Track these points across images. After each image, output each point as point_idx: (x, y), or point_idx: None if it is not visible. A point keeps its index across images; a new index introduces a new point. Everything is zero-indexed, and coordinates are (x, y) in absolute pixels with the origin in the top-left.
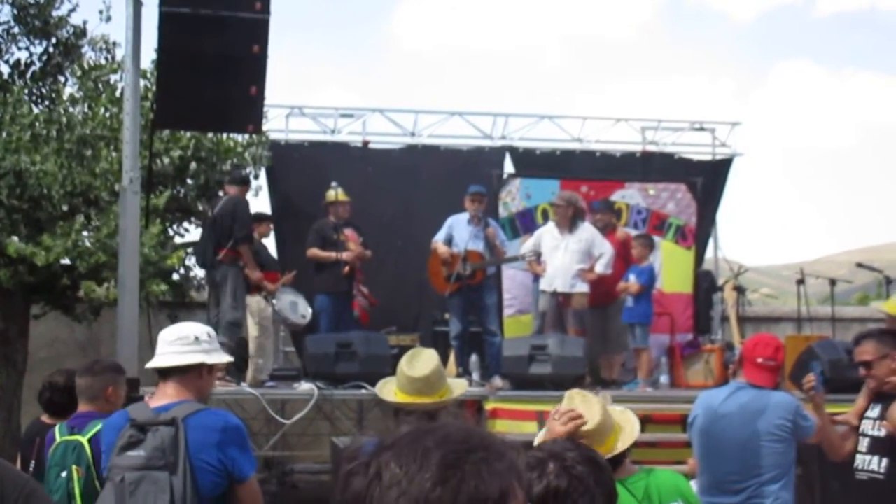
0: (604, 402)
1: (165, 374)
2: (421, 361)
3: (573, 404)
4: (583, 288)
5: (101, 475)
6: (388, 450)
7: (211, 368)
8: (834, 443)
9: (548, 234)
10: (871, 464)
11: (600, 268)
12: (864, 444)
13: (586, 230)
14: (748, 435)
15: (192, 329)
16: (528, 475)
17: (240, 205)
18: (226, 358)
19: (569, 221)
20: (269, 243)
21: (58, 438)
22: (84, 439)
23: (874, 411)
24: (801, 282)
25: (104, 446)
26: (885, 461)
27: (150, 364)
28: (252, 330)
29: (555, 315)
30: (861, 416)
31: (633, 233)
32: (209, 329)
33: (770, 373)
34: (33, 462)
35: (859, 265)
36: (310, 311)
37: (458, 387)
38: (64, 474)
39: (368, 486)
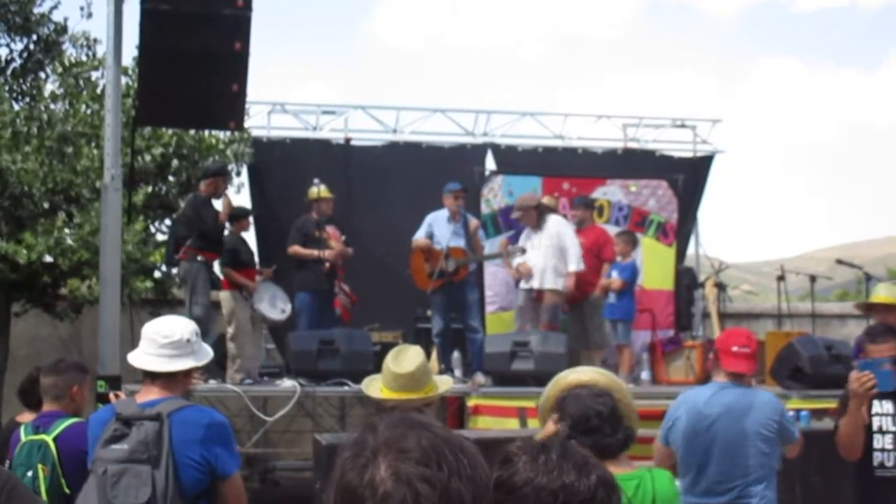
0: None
1: (153, 374)
2: (407, 358)
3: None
4: (556, 285)
5: (66, 474)
6: (380, 445)
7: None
8: (858, 442)
9: (523, 236)
10: None
11: (573, 266)
12: (885, 440)
13: (554, 224)
14: (735, 435)
15: (181, 329)
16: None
17: (187, 208)
18: (211, 354)
19: (535, 221)
20: (250, 238)
21: (23, 438)
22: (49, 438)
23: (884, 406)
24: (781, 278)
25: (90, 439)
26: None
27: (138, 364)
28: (227, 328)
29: (530, 310)
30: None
31: (615, 230)
32: (194, 326)
33: (747, 360)
34: (9, 461)
35: (839, 262)
36: (289, 305)
37: (444, 383)
38: (30, 473)
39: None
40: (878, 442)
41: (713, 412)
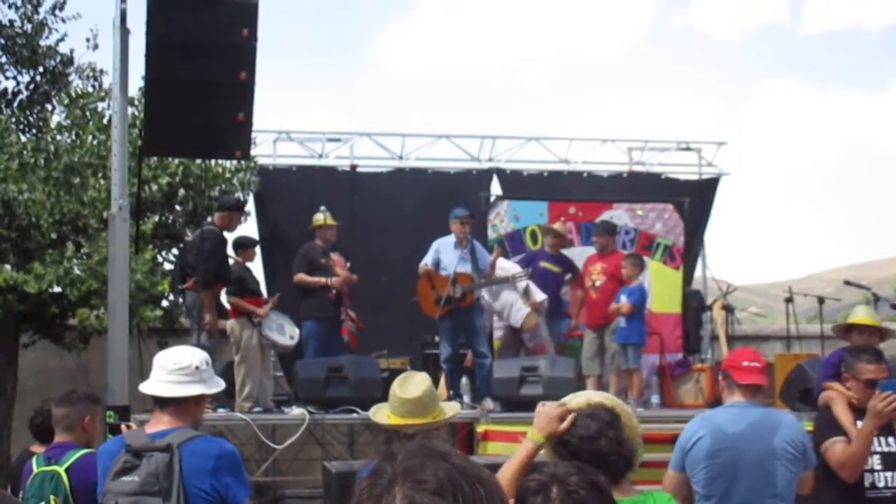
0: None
1: (163, 402)
2: (413, 383)
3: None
4: (524, 309)
5: None
6: (397, 475)
7: (206, 396)
8: (864, 464)
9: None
10: (893, 480)
11: (537, 297)
12: (874, 460)
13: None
14: (764, 453)
15: (191, 357)
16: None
17: (207, 242)
18: (222, 384)
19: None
20: (257, 267)
21: (35, 469)
22: (61, 469)
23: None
24: (789, 300)
25: (99, 472)
26: (894, 475)
27: (149, 391)
28: (235, 356)
29: (509, 340)
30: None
31: (623, 253)
32: (205, 355)
33: (759, 373)
34: (22, 492)
35: (847, 283)
36: (297, 331)
37: (451, 409)
38: None
39: None
40: (868, 463)
41: (739, 430)
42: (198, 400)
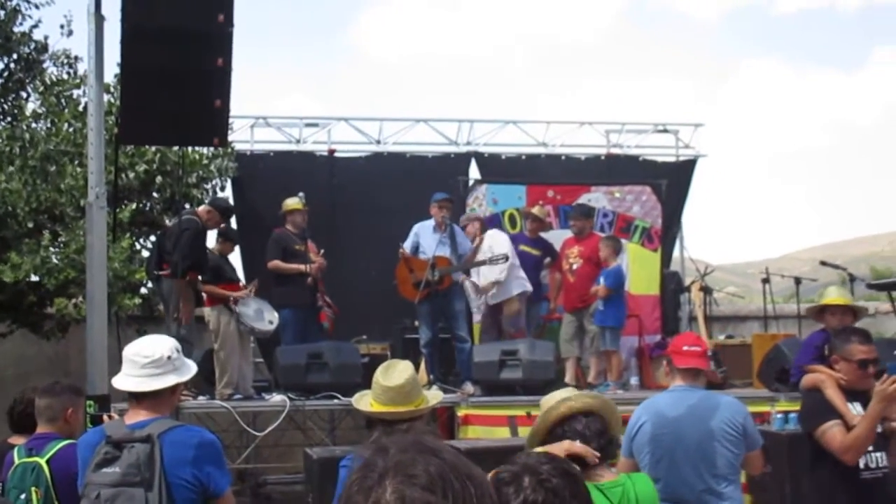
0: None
1: (139, 395)
2: (396, 371)
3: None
4: (512, 293)
5: (60, 496)
6: (388, 469)
7: (181, 383)
8: (866, 447)
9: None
10: (882, 461)
11: (493, 276)
12: None
13: (487, 239)
14: (702, 434)
15: (161, 348)
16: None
17: (186, 233)
18: (194, 368)
19: (479, 233)
20: (234, 257)
21: (16, 460)
22: (43, 461)
23: (856, 408)
24: (766, 281)
25: (79, 464)
26: (883, 455)
27: (123, 387)
28: (214, 343)
29: (489, 322)
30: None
31: (600, 236)
32: (174, 343)
33: (698, 357)
34: (1, 484)
35: (823, 263)
36: (276, 316)
37: (434, 397)
38: (23, 496)
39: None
40: None
41: (679, 413)
42: (174, 389)
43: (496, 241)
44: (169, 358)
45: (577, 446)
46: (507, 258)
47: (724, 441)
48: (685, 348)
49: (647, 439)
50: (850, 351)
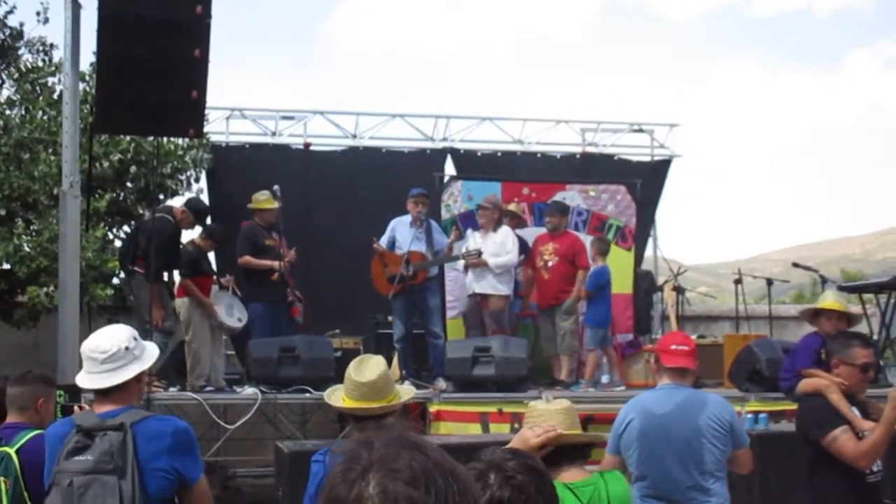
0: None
1: (104, 390)
2: (369, 367)
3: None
4: (501, 291)
5: (29, 486)
6: (372, 462)
7: (145, 371)
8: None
9: (472, 239)
10: (880, 463)
11: (491, 260)
12: None
13: (502, 232)
14: (690, 431)
15: (118, 339)
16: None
17: (160, 235)
18: (157, 352)
19: (493, 224)
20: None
21: None
22: (12, 451)
23: (855, 412)
24: (738, 282)
25: (47, 454)
26: (881, 459)
27: (86, 385)
28: (185, 335)
29: (474, 316)
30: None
31: (574, 234)
32: (131, 331)
33: (687, 357)
34: None
35: (795, 265)
36: (246, 314)
37: (406, 392)
38: None
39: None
40: None
41: (666, 411)
42: (138, 377)
43: (508, 238)
44: (127, 349)
45: (535, 439)
46: (480, 253)
47: (711, 438)
48: (673, 347)
49: (634, 436)
50: (853, 355)
